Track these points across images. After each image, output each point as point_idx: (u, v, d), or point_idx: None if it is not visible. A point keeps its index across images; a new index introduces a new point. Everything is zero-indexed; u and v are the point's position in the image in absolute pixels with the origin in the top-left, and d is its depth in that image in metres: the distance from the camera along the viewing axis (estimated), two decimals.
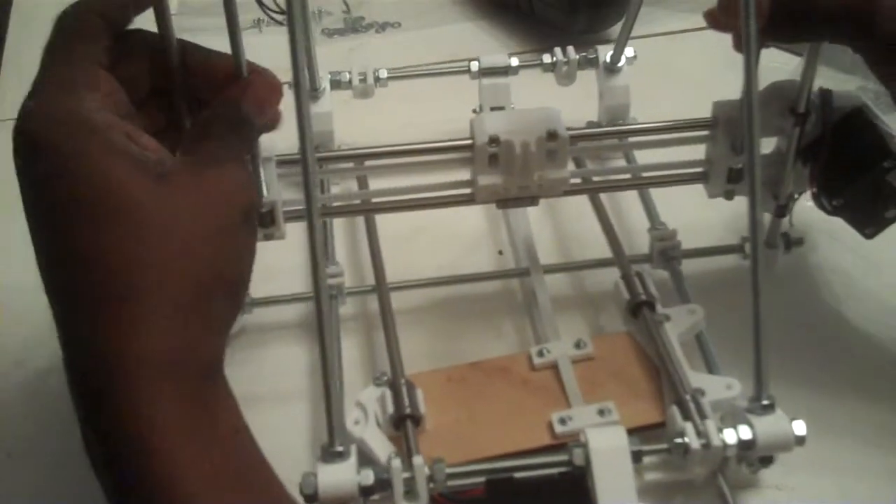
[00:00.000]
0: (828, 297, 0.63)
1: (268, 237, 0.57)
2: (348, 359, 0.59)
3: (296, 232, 0.55)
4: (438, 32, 0.87)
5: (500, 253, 0.67)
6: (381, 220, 0.64)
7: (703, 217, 0.64)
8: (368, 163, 0.60)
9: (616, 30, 0.82)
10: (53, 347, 0.59)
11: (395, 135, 0.59)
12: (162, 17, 0.44)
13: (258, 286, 0.60)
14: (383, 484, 0.47)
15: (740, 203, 0.51)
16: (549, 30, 0.84)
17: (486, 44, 0.85)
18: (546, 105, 0.56)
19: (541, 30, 0.85)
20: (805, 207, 0.60)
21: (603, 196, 0.66)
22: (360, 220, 0.67)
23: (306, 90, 0.45)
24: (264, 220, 0.56)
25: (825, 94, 0.56)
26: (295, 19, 0.44)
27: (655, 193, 0.66)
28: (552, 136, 0.55)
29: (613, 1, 0.81)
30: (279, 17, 0.82)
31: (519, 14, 0.87)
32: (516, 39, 0.86)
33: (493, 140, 0.55)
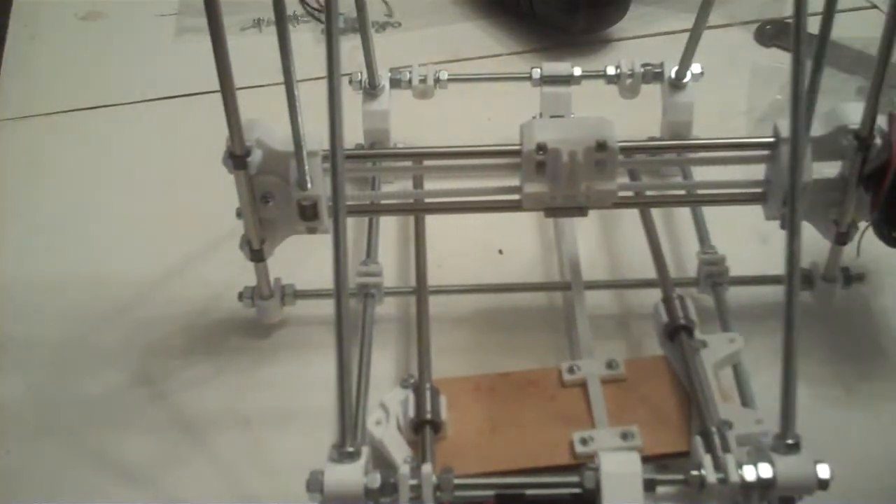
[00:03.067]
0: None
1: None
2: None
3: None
4: (438, 32, 0.87)
5: (501, 252, 0.66)
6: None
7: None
8: (426, 162, 0.60)
9: (616, 30, 0.82)
10: (53, 345, 0.62)
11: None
12: None
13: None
14: (390, 488, 0.47)
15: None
16: (550, 30, 0.83)
17: (486, 44, 0.85)
18: (611, 118, 0.55)
19: (541, 30, 0.84)
20: (872, 242, 0.57)
21: (657, 216, 0.64)
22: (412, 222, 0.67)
23: (339, 86, 0.44)
24: (307, 214, 0.56)
25: (893, 119, 0.54)
26: (333, 16, 0.44)
27: (715, 217, 0.64)
28: (601, 146, 0.54)
29: (614, 1, 0.80)
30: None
31: (519, 14, 0.86)
32: (516, 39, 0.85)
33: (541, 147, 0.54)
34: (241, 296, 0.60)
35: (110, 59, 0.84)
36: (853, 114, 0.54)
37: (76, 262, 0.67)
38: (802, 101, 0.45)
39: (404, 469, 0.47)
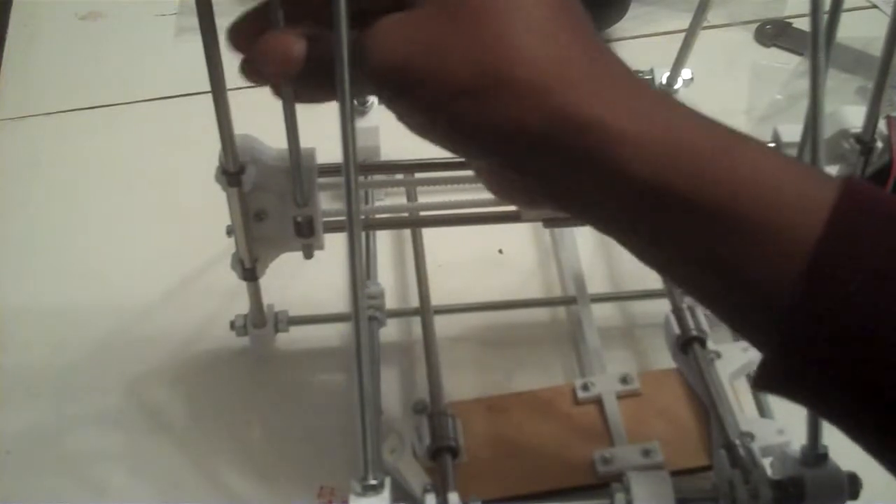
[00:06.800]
0: None
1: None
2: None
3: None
4: None
5: (501, 252, 0.65)
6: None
7: None
8: (416, 175, 0.59)
9: (616, 30, 0.81)
10: (48, 373, 0.60)
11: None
12: None
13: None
14: None
15: None
16: None
17: None
18: None
19: None
20: None
21: None
22: (407, 239, 0.65)
23: (350, 101, 0.43)
24: (302, 231, 0.54)
25: (893, 123, 0.54)
26: (342, 28, 0.42)
27: None
28: None
29: (614, 1, 0.80)
30: None
31: None
32: None
33: None
34: (232, 324, 0.58)
35: (110, 59, 0.83)
36: (853, 117, 0.54)
37: (71, 278, 0.65)
38: (821, 111, 0.45)
39: (430, 500, 0.46)
